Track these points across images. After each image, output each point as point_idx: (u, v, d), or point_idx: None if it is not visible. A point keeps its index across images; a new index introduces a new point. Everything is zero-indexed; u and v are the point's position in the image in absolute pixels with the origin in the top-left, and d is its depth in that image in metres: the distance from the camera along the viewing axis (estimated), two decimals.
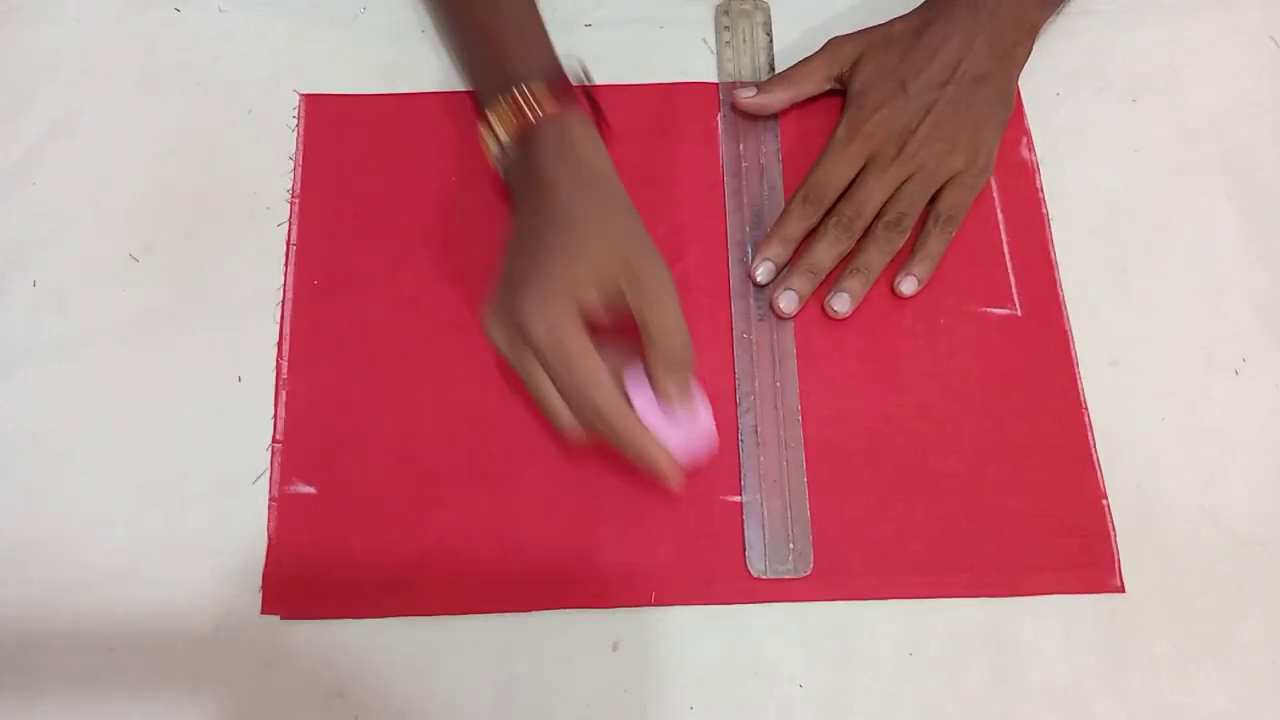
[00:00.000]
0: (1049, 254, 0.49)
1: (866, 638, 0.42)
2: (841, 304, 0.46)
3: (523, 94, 0.42)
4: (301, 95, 0.52)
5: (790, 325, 0.47)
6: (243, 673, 0.41)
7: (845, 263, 0.47)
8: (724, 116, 0.52)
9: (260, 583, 0.43)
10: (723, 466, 0.44)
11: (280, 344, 0.47)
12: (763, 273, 0.47)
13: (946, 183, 0.48)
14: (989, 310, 0.48)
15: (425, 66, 0.53)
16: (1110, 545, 0.43)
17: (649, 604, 0.42)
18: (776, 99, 0.50)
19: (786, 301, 0.46)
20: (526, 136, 0.42)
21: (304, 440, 0.45)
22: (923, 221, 0.48)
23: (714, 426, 0.41)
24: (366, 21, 0.54)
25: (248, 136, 0.51)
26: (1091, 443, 0.45)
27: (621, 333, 0.39)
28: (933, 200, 0.48)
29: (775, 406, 0.46)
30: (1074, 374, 0.46)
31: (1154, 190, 0.50)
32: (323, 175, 0.50)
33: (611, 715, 0.41)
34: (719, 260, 0.49)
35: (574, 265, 0.38)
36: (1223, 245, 0.49)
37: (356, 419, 0.45)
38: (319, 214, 0.49)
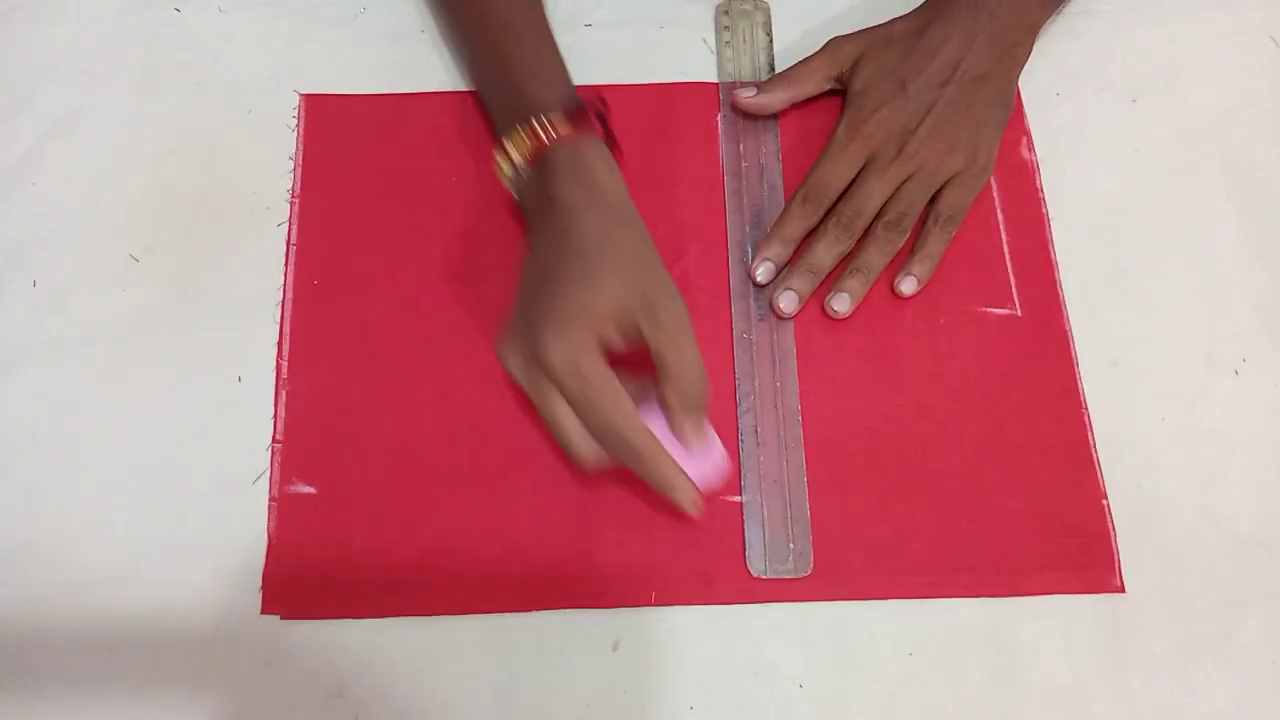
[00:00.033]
0: (1049, 254, 0.49)
1: (866, 638, 0.42)
2: (841, 304, 0.46)
3: (540, 124, 0.42)
4: (301, 95, 0.52)
5: (790, 325, 0.47)
6: (243, 673, 0.41)
7: (845, 263, 0.47)
8: (724, 116, 0.52)
9: (260, 583, 0.43)
10: None
11: (280, 344, 0.47)
12: (763, 273, 0.47)
13: (946, 183, 0.48)
14: (989, 310, 0.48)
15: (425, 66, 0.53)
16: (1110, 545, 0.43)
17: (649, 604, 0.42)
18: (776, 99, 0.50)
19: (786, 301, 0.46)
20: (541, 159, 0.42)
21: (304, 440, 0.45)
22: (923, 221, 0.48)
23: (726, 456, 0.41)
24: (366, 21, 0.54)
25: (248, 136, 0.51)
26: (1091, 443, 0.45)
27: (634, 362, 0.39)
28: (933, 200, 0.48)
29: (775, 406, 0.46)
30: (1074, 374, 0.46)
31: (1154, 190, 0.50)
32: (323, 175, 0.50)
33: (611, 715, 0.41)
34: (719, 260, 0.49)
35: (592, 297, 0.38)
36: (1223, 245, 0.49)
37: (356, 419, 0.45)
38: (319, 214, 0.49)
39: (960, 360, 0.47)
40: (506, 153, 0.43)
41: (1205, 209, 0.50)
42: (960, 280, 0.48)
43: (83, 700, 0.41)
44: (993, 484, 0.44)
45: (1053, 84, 0.53)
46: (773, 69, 0.53)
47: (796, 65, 0.51)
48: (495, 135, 0.46)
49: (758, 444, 0.45)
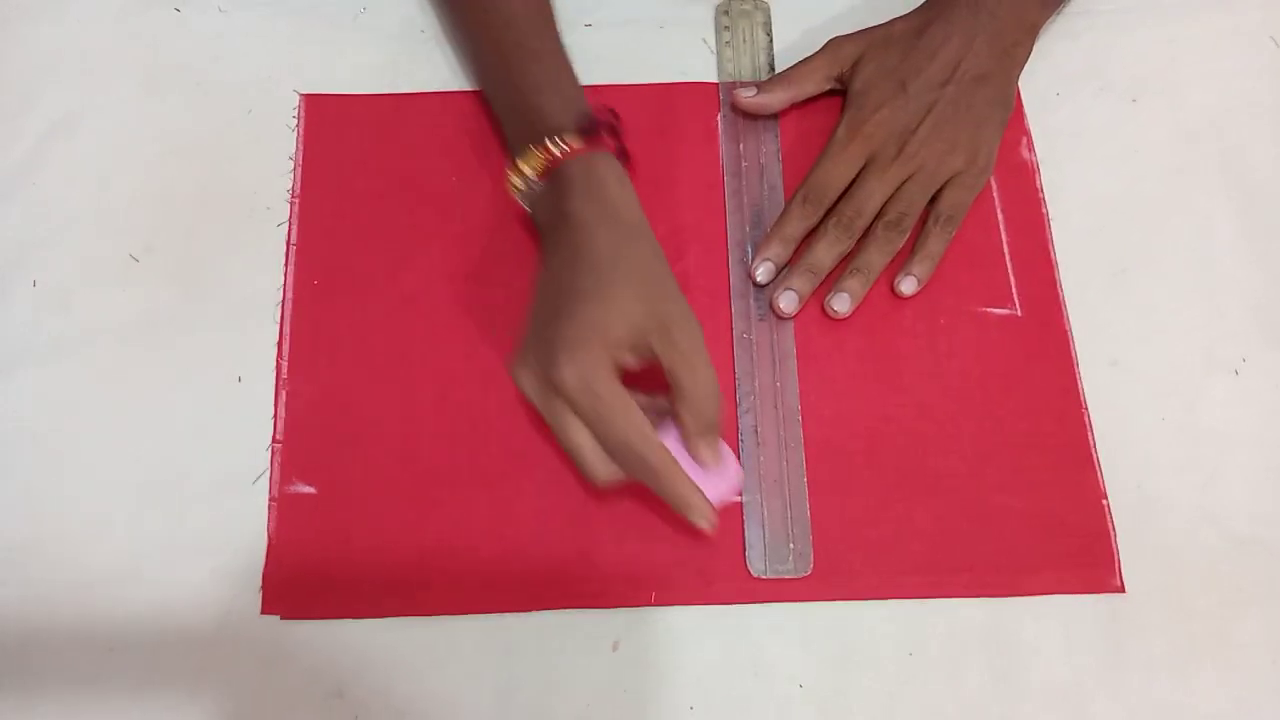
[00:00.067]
0: (1049, 254, 0.49)
1: (866, 638, 0.42)
2: (841, 304, 0.47)
3: (555, 143, 0.42)
4: (301, 95, 0.52)
5: (790, 325, 0.47)
6: (243, 673, 0.41)
7: (845, 263, 0.47)
8: (724, 116, 0.52)
9: (260, 583, 0.43)
10: None
11: (280, 344, 0.47)
12: (763, 273, 0.47)
13: (946, 183, 0.48)
14: (989, 310, 0.48)
15: (425, 66, 0.53)
16: (1110, 545, 0.43)
17: (649, 604, 0.42)
18: (776, 99, 0.50)
19: (786, 301, 0.46)
20: (553, 173, 0.42)
21: (304, 440, 0.45)
22: (923, 221, 0.48)
23: (741, 471, 0.41)
24: (366, 22, 0.54)
25: (248, 136, 0.51)
26: (1091, 443, 0.45)
27: (645, 378, 0.39)
28: (933, 200, 0.48)
29: (775, 406, 0.46)
30: (1074, 374, 0.46)
31: (1153, 190, 0.50)
32: (323, 175, 0.50)
33: (611, 715, 0.41)
34: (719, 260, 0.49)
35: (606, 317, 0.38)
36: (1222, 245, 0.49)
37: (356, 419, 0.45)
38: (319, 214, 0.49)
39: (960, 360, 0.47)
40: (520, 170, 0.43)
41: (1205, 209, 0.50)
42: (960, 280, 0.48)
43: (83, 700, 0.41)
44: (992, 484, 0.44)
45: (1053, 84, 0.53)
46: (773, 69, 0.53)
47: (796, 65, 0.51)
48: (509, 153, 0.46)
49: (758, 444, 0.45)
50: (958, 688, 0.41)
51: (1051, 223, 0.49)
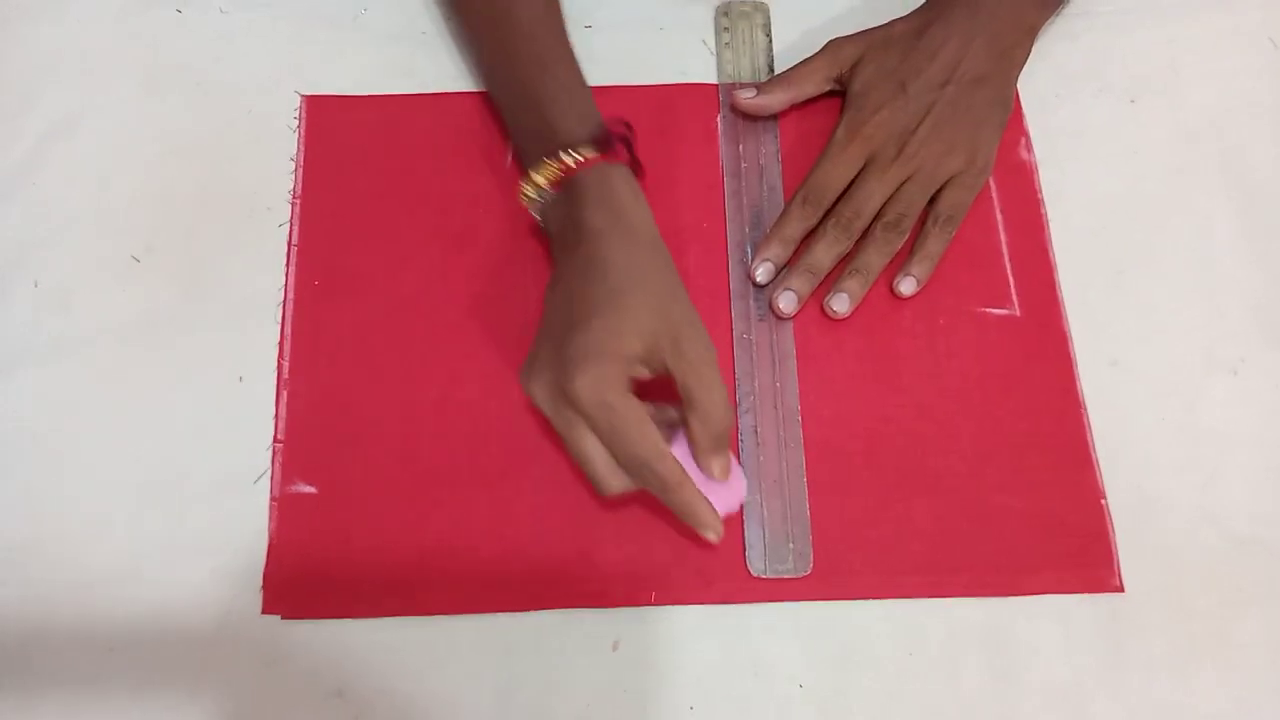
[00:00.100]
0: (1048, 254, 0.49)
1: (866, 637, 0.42)
2: (841, 304, 0.47)
3: (569, 154, 0.42)
4: (302, 96, 0.52)
5: (790, 325, 0.47)
6: (243, 672, 0.41)
7: (844, 263, 0.48)
8: (724, 117, 0.52)
9: (261, 582, 0.43)
10: None
11: (281, 344, 0.47)
12: (762, 273, 0.47)
13: (946, 183, 0.48)
14: (988, 310, 0.48)
15: (426, 67, 0.53)
16: (1109, 545, 0.43)
17: (649, 603, 0.43)
18: (776, 100, 0.50)
19: (786, 302, 0.47)
20: (566, 183, 0.42)
21: (305, 440, 0.45)
22: (922, 222, 0.48)
23: (746, 483, 0.42)
24: (367, 22, 0.54)
25: (249, 137, 0.51)
26: (1090, 443, 0.45)
27: (655, 389, 0.39)
28: (932, 201, 0.48)
29: (775, 407, 0.46)
30: (1073, 374, 0.46)
31: (1153, 191, 0.51)
32: (324, 176, 0.50)
33: (611, 714, 0.41)
34: (719, 261, 0.49)
35: (620, 331, 0.38)
36: (1221, 246, 0.49)
37: (357, 419, 0.45)
38: (320, 215, 0.49)
39: (959, 360, 0.47)
40: (534, 181, 0.43)
41: (1204, 209, 0.50)
42: (959, 280, 0.48)
43: (83, 700, 0.41)
44: (992, 484, 0.44)
45: (1052, 85, 0.53)
46: (772, 70, 0.53)
47: (796, 66, 0.51)
48: (521, 163, 0.46)
49: (757, 444, 0.45)
50: (957, 687, 0.41)
51: (1051, 223, 0.50)
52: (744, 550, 0.43)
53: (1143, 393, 0.46)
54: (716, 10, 0.55)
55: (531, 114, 0.45)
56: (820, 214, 0.48)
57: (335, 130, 0.51)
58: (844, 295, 0.47)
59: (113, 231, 0.49)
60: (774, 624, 0.42)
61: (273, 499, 0.44)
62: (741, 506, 0.43)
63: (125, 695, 0.41)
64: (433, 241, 0.49)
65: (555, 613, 0.42)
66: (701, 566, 0.43)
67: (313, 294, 0.48)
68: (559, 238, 0.43)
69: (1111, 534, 0.44)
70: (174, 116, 0.52)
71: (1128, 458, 0.45)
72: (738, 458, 0.44)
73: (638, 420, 0.37)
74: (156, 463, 0.45)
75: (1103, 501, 0.44)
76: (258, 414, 0.45)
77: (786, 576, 0.43)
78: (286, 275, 0.48)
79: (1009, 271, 0.48)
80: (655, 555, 0.43)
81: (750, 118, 0.51)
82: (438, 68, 0.53)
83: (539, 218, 0.45)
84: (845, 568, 0.43)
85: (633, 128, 0.45)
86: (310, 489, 0.44)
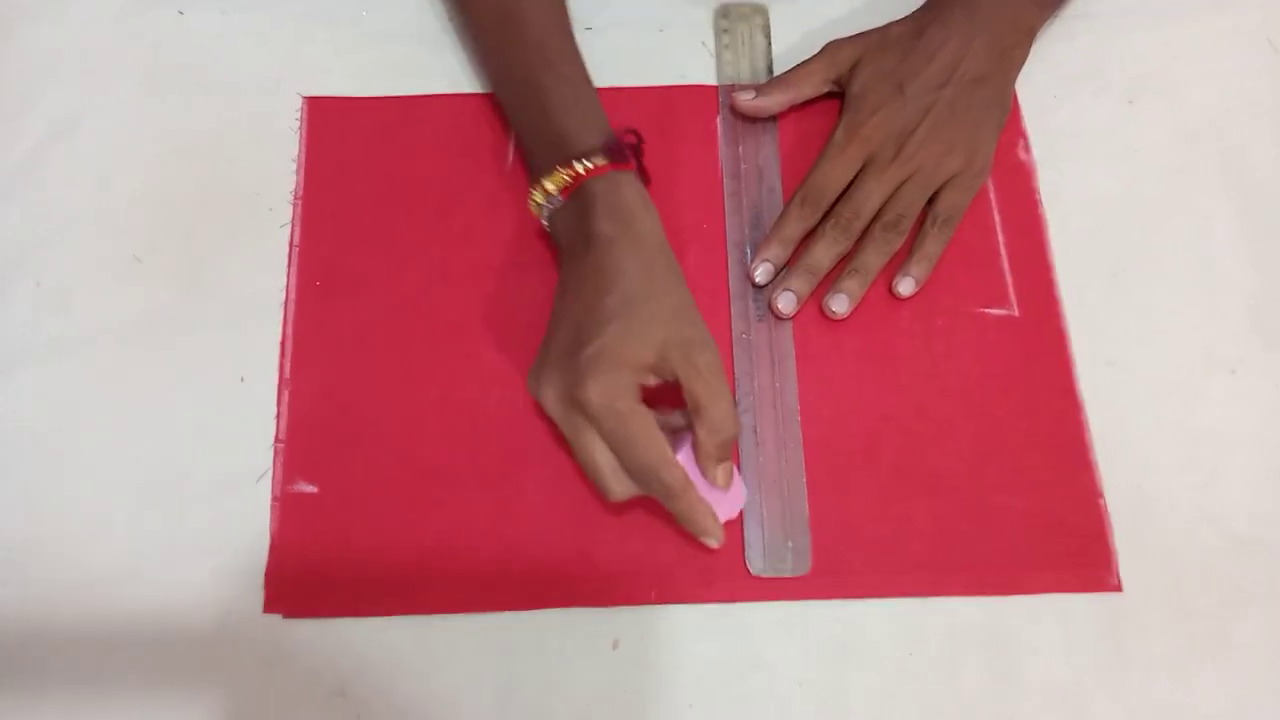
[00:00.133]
0: (1046, 255, 0.49)
1: (865, 636, 0.42)
2: (840, 304, 0.47)
3: (580, 164, 0.42)
4: (304, 98, 0.52)
5: (789, 326, 0.47)
6: (245, 671, 0.41)
7: (844, 264, 0.48)
8: (723, 119, 0.52)
9: (262, 581, 0.43)
10: None
11: (283, 344, 0.47)
12: (761, 274, 0.48)
13: (944, 184, 0.48)
14: (986, 311, 0.48)
15: (427, 69, 0.53)
16: (1107, 544, 0.44)
17: (649, 602, 0.43)
18: (775, 101, 0.51)
19: (785, 302, 0.47)
20: (576, 190, 0.43)
21: (306, 440, 0.45)
22: (920, 223, 0.48)
23: (745, 490, 0.42)
24: (369, 24, 0.54)
25: (250, 138, 0.51)
26: (1088, 442, 0.45)
27: (659, 395, 0.40)
28: (930, 202, 0.48)
29: (774, 406, 0.46)
30: (1071, 374, 0.47)
31: (1151, 191, 0.51)
32: (325, 177, 0.50)
33: (611, 712, 0.41)
34: (718, 261, 0.49)
35: (632, 339, 0.38)
36: (1220, 246, 0.49)
37: (358, 419, 0.45)
38: (321, 215, 0.49)
39: (958, 360, 0.47)
40: (544, 188, 0.43)
41: (1202, 210, 0.50)
42: (958, 281, 0.48)
43: (84, 700, 0.41)
44: (990, 483, 0.44)
45: (1050, 86, 0.53)
46: (771, 72, 0.53)
47: (795, 68, 0.51)
48: (530, 171, 0.46)
49: (756, 444, 0.45)
50: (956, 686, 0.42)
51: (1050, 224, 0.50)
52: (743, 549, 0.43)
53: (1141, 393, 0.46)
54: (716, 12, 0.55)
55: (541, 120, 0.45)
56: (819, 214, 0.48)
57: (337, 131, 0.51)
58: (843, 295, 0.47)
59: (113, 232, 0.49)
60: (774, 623, 0.43)
61: (274, 498, 0.44)
62: (741, 511, 0.43)
63: (126, 695, 0.41)
64: (434, 242, 0.49)
65: (555, 612, 0.43)
66: (701, 566, 0.43)
67: (314, 294, 0.48)
68: (568, 245, 0.44)
69: (1109, 533, 0.44)
70: (175, 117, 0.52)
71: (1126, 458, 0.45)
72: (737, 461, 0.45)
73: (646, 428, 0.38)
74: (157, 463, 0.45)
75: (1100, 501, 0.44)
76: (259, 414, 0.45)
77: (785, 575, 0.43)
78: (288, 276, 0.48)
79: (1007, 272, 0.49)
80: (655, 555, 0.43)
81: (749, 119, 0.52)
82: (439, 69, 0.53)
83: (546, 223, 0.45)
84: (844, 567, 0.43)
85: (642, 138, 0.45)
86: (311, 488, 0.44)
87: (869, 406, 0.46)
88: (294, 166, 0.50)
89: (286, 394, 0.46)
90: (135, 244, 0.49)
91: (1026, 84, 0.52)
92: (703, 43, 0.54)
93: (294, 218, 0.49)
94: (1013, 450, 0.45)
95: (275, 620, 0.42)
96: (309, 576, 0.43)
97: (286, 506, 0.44)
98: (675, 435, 0.41)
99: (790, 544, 0.43)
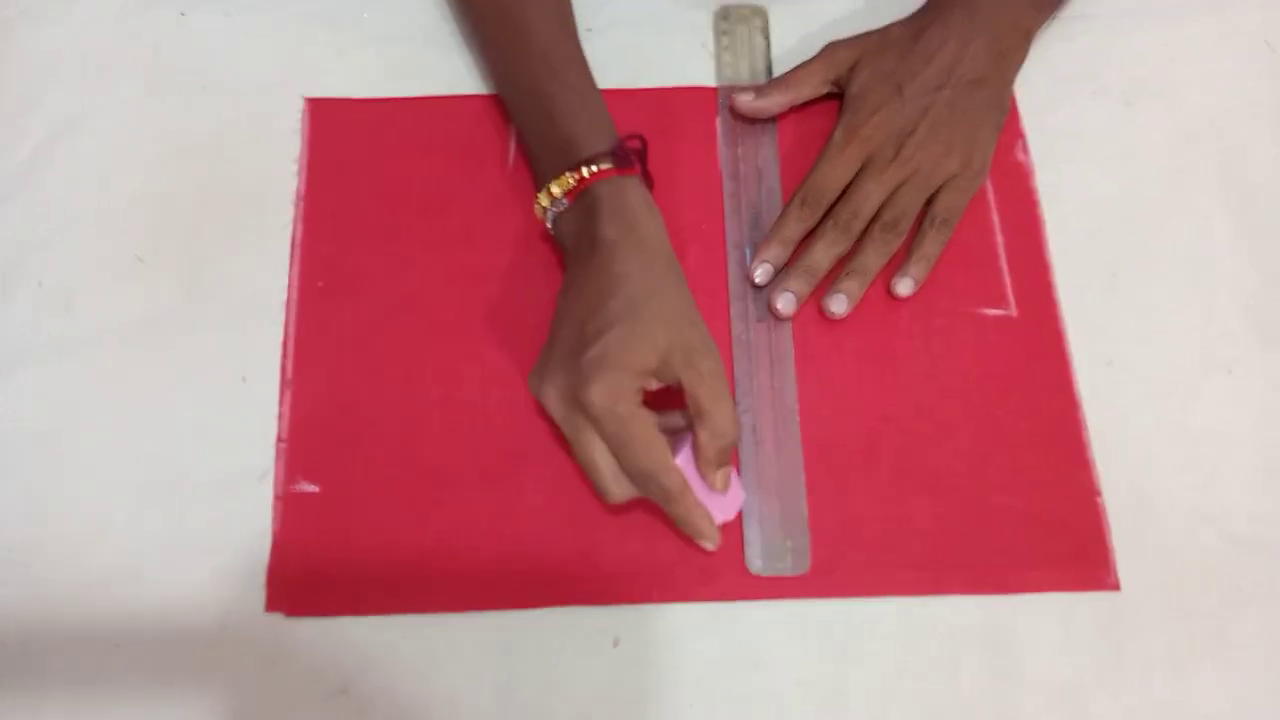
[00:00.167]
0: (1044, 255, 0.49)
1: (864, 635, 0.42)
2: (839, 305, 0.47)
3: (587, 169, 0.43)
4: (306, 99, 0.52)
5: (788, 326, 0.48)
6: (247, 670, 0.42)
7: (843, 264, 0.48)
8: (723, 120, 0.52)
9: (264, 581, 0.43)
10: None
11: (285, 344, 0.47)
12: (761, 274, 0.48)
13: (942, 185, 0.48)
14: (985, 311, 0.48)
15: (429, 70, 0.53)
16: (1105, 543, 0.44)
17: (649, 601, 0.43)
18: (774, 102, 0.51)
19: (784, 302, 0.47)
20: (581, 194, 0.43)
21: (308, 439, 0.45)
22: (919, 223, 0.48)
23: (743, 495, 0.42)
24: (370, 25, 0.54)
25: (252, 139, 0.51)
26: (1087, 442, 0.45)
27: (659, 398, 0.40)
28: (929, 202, 0.48)
29: (773, 406, 0.46)
30: (1069, 374, 0.47)
31: (1149, 193, 0.51)
32: (327, 178, 0.50)
33: (611, 711, 0.41)
34: (718, 261, 0.49)
35: (636, 343, 0.39)
36: (1218, 247, 0.50)
37: (360, 419, 0.45)
38: (323, 216, 0.49)
39: (956, 360, 0.47)
40: (550, 192, 0.44)
41: (1200, 211, 0.50)
42: (956, 281, 0.48)
43: (86, 699, 0.41)
44: (989, 483, 0.45)
45: (1048, 87, 0.53)
46: (770, 73, 0.53)
47: (794, 69, 0.51)
48: (535, 175, 0.47)
49: (756, 443, 0.45)
50: (955, 685, 0.42)
51: (1048, 224, 0.50)
52: (743, 548, 0.43)
53: (1140, 393, 0.47)
54: (715, 14, 0.55)
55: (547, 126, 0.45)
56: (818, 215, 0.48)
57: (338, 132, 0.51)
58: (842, 296, 0.47)
59: (115, 232, 0.49)
60: (773, 622, 0.43)
61: (276, 498, 0.44)
62: (739, 512, 0.44)
63: (129, 694, 0.41)
64: (435, 242, 0.49)
65: (556, 610, 0.43)
66: (701, 565, 0.43)
67: (316, 295, 0.48)
68: (573, 248, 0.44)
69: (1108, 533, 0.44)
70: (176, 117, 0.52)
71: (1124, 457, 0.45)
72: (736, 462, 0.45)
73: (646, 432, 0.38)
74: (159, 462, 0.45)
75: (1099, 500, 0.44)
76: (261, 413, 0.46)
77: (785, 574, 0.43)
78: (290, 276, 0.48)
79: (1005, 272, 0.49)
80: (655, 554, 0.43)
81: (749, 120, 0.52)
82: (440, 70, 0.53)
83: (550, 226, 0.45)
84: (843, 566, 0.43)
85: (647, 143, 0.45)
86: (313, 488, 0.44)
87: (868, 406, 0.46)
88: (295, 167, 0.51)
89: (288, 394, 0.46)
90: (137, 244, 0.49)
91: (1025, 85, 0.52)
92: (702, 44, 0.54)
93: (295, 218, 0.49)
94: (1012, 450, 0.45)
95: (277, 619, 0.42)
96: (311, 576, 0.43)
97: (288, 506, 0.44)
98: (675, 436, 0.41)
99: (789, 543, 0.44)
